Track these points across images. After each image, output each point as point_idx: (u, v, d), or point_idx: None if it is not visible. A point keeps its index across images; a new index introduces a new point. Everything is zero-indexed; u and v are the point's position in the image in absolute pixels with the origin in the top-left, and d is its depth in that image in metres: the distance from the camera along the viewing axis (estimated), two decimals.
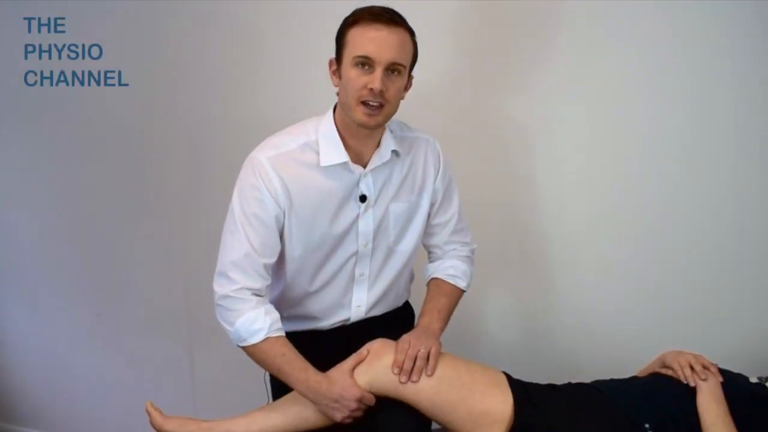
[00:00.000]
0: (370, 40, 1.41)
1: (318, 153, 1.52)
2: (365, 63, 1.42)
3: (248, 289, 1.51)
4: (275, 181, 1.50)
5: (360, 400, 1.47)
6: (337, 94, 1.51)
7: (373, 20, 1.41)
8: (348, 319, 1.68)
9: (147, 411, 1.56)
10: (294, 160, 1.52)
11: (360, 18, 1.43)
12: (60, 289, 2.61)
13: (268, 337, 1.50)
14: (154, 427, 1.55)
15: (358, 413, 1.48)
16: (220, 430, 1.52)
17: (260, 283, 1.52)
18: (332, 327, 1.68)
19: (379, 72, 1.41)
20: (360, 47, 1.41)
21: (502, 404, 1.46)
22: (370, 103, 1.43)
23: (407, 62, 1.46)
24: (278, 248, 1.55)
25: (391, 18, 1.42)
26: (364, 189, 1.56)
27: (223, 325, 1.54)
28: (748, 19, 1.76)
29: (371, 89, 1.41)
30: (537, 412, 1.46)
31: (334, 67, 1.49)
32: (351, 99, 1.44)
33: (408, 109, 1.59)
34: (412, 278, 1.79)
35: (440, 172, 1.65)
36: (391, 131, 1.59)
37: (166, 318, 2.50)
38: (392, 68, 1.43)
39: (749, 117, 1.80)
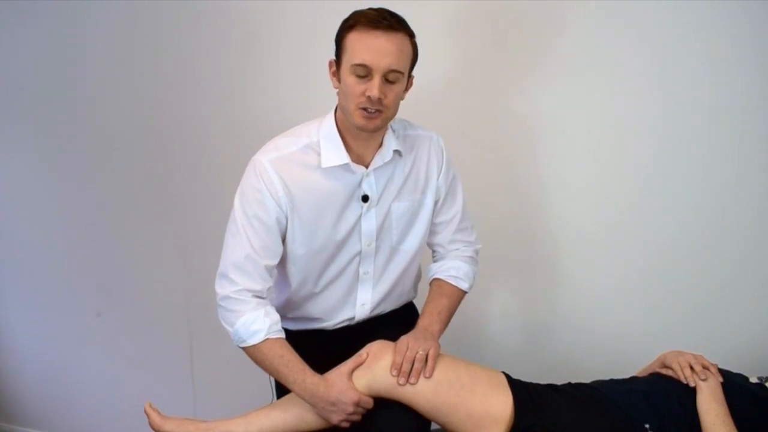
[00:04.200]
0: (367, 48, 1.40)
1: (319, 154, 1.52)
2: (363, 70, 1.41)
3: (249, 290, 1.51)
4: (277, 183, 1.50)
5: (357, 404, 1.47)
6: (338, 96, 1.51)
7: (370, 27, 1.40)
8: (353, 318, 1.68)
9: (145, 412, 1.56)
10: (296, 162, 1.52)
11: (358, 23, 1.42)
12: (60, 289, 2.61)
13: (267, 339, 1.50)
14: (153, 428, 1.55)
15: (356, 417, 1.48)
16: (219, 430, 1.52)
17: (261, 284, 1.53)
18: (337, 327, 1.68)
19: (377, 80, 1.41)
20: (358, 55, 1.41)
21: (502, 405, 1.46)
22: (369, 109, 1.43)
23: (406, 68, 1.45)
24: (279, 251, 1.56)
25: (389, 24, 1.40)
26: (366, 189, 1.56)
27: (224, 325, 1.54)
28: (755, 19, 1.76)
29: (369, 97, 1.41)
30: (537, 413, 1.46)
31: (334, 68, 1.49)
32: (350, 105, 1.45)
33: (411, 109, 1.59)
34: (419, 278, 1.79)
35: (443, 168, 1.65)
36: (394, 130, 1.59)
37: (166, 318, 2.50)
38: (390, 75, 1.42)
39: (754, 118, 1.80)
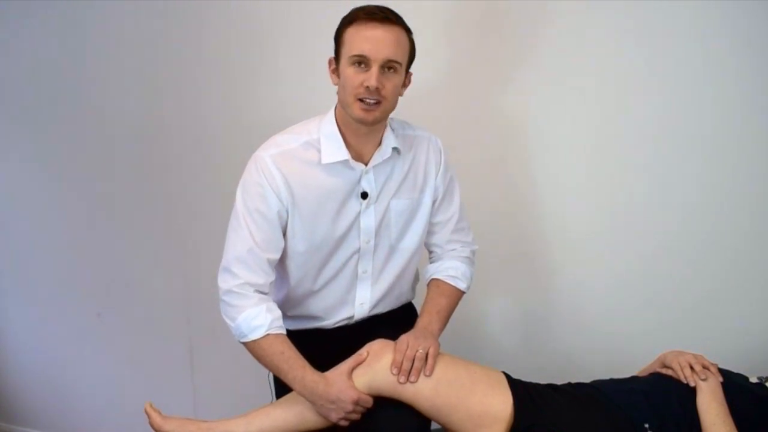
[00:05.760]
0: (365, 39, 1.43)
1: (319, 151, 1.53)
2: (361, 62, 1.44)
3: (251, 284, 1.52)
4: (278, 178, 1.51)
5: (356, 403, 1.47)
6: (337, 92, 1.52)
7: (368, 19, 1.44)
8: (352, 317, 1.68)
9: (146, 412, 1.56)
10: (296, 157, 1.53)
11: (356, 17, 1.46)
12: (60, 289, 2.61)
13: (268, 334, 1.50)
14: (154, 428, 1.55)
15: (355, 416, 1.49)
16: (220, 430, 1.52)
17: (263, 278, 1.53)
18: (336, 326, 1.69)
19: (375, 70, 1.43)
20: (356, 46, 1.44)
21: (501, 405, 1.46)
22: (367, 100, 1.44)
23: (403, 59, 1.48)
24: (281, 244, 1.56)
25: (385, 16, 1.44)
26: (365, 186, 1.57)
27: (226, 320, 1.55)
28: (751, 17, 1.76)
29: (367, 87, 1.43)
30: (537, 413, 1.46)
31: (333, 66, 1.51)
32: (349, 97, 1.46)
33: (407, 108, 1.59)
34: (417, 279, 1.79)
35: (441, 168, 1.66)
36: (393, 129, 1.60)
37: (166, 318, 2.50)
38: (388, 65, 1.45)
39: (750, 116, 1.80)
